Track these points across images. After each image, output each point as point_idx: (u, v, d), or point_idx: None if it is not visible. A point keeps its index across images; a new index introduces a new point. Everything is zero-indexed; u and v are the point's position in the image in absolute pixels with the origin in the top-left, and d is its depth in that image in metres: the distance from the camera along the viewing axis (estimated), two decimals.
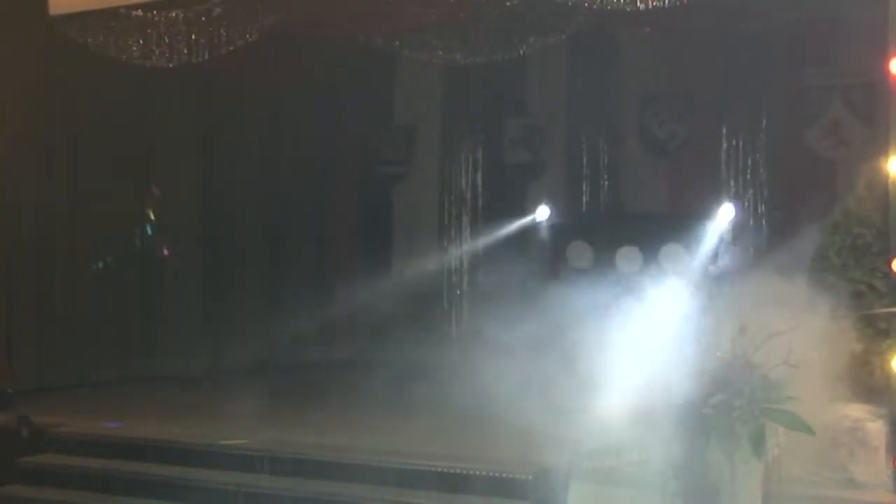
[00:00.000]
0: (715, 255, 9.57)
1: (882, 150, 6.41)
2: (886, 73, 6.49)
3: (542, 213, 11.35)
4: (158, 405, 9.56)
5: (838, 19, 9.91)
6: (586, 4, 8.35)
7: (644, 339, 5.66)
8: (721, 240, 9.78)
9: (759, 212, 10.59)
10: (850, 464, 5.84)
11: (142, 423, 8.64)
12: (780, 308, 5.60)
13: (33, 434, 8.54)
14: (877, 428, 5.88)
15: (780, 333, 5.28)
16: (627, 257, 9.80)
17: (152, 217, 12.15)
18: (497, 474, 6.85)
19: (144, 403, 9.71)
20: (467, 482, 6.97)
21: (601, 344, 6.31)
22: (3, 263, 10.09)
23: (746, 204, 10.61)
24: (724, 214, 10.06)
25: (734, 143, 10.67)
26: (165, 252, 12.19)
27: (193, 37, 8.90)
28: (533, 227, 11.28)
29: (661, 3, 8.25)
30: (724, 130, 10.69)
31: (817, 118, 10.40)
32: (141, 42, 8.89)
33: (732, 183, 10.69)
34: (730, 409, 5.13)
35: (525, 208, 11.34)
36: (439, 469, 7.13)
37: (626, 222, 11.03)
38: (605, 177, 11.40)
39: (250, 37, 8.83)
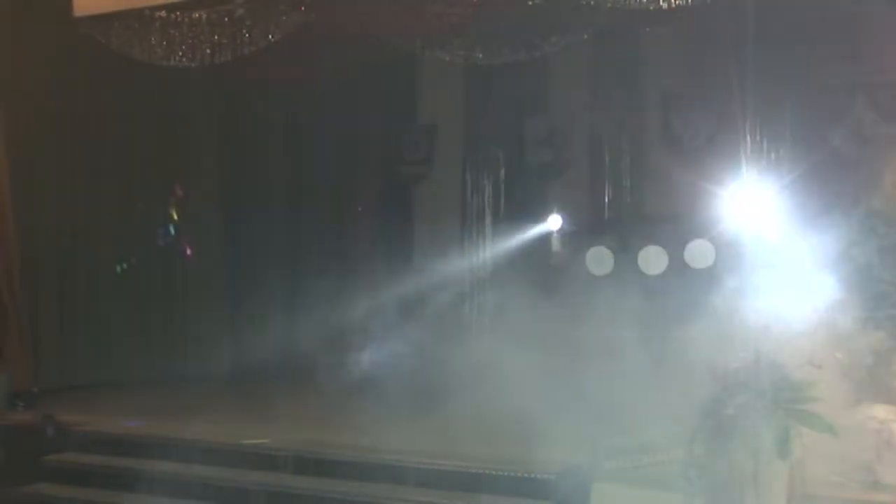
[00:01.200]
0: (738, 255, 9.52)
1: None
2: None
3: (555, 222, 11.35)
4: (182, 404, 9.59)
5: (862, 17, 9.83)
6: (609, 4, 8.34)
7: (669, 338, 5.67)
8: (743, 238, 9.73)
9: (782, 210, 10.52)
10: (876, 465, 5.79)
11: (165, 423, 8.68)
12: (805, 308, 5.57)
13: (58, 432, 8.60)
14: None
15: (804, 333, 5.26)
16: (650, 257, 9.76)
17: (175, 217, 12.21)
18: (519, 474, 6.84)
19: (168, 403, 9.76)
20: (489, 482, 6.96)
21: (624, 344, 6.33)
22: (29, 264, 10.16)
23: (769, 202, 10.55)
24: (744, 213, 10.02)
25: (757, 141, 10.61)
26: (188, 252, 12.24)
27: (216, 37, 8.95)
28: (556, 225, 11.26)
29: (684, 2, 8.23)
30: (746, 129, 10.63)
31: (841, 117, 10.32)
32: (164, 43, 8.95)
33: (755, 182, 10.62)
34: (753, 409, 5.10)
35: (547, 208, 11.32)
36: (461, 468, 7.13)
37: (648, 222, 11.00)
38: (628, 176, 11.37)
39: (273, 37, 8.87)
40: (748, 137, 10.59)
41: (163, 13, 8.89)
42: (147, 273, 11.76)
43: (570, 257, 10.75)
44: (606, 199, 11.53)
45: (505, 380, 6.96)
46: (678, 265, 9.65)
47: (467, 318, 10.76)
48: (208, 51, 9.00)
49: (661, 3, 8.26)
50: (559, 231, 11.44)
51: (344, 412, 8.62)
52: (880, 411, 5.89)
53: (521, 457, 6.94)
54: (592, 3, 8.40)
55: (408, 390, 8.11)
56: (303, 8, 8.88)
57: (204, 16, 8.89)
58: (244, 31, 8.99)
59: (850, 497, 5.69)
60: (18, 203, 9.90)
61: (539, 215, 11.39)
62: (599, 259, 9.92)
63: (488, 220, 11.88)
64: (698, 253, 9.59)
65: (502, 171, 12.02)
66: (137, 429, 8.64)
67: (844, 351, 5.94)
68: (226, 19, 8.92)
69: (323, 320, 10.89)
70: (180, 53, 8.99)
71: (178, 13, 8.88)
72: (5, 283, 9.80)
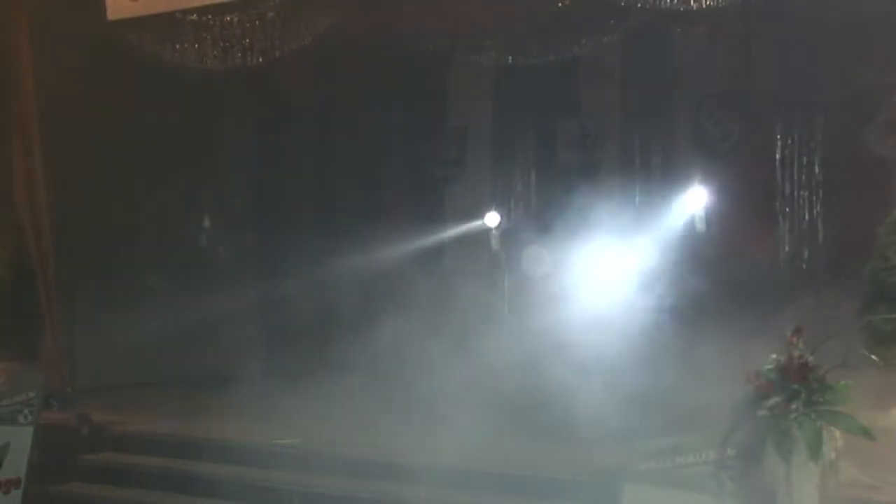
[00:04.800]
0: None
1: None
2: None
3: (492, 219, 11.43)
4: (215, 405, 9.66)
5: None
6: (639, 5, 8.34)
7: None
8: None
9: (816, 212, 10.48)
10: None
11: (199, 423, 8.75)
12: (838, 308, 5.54)
13: (93, 432, 8.71)
14: None
15: (837, 335, 5.22)
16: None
17: (209, 219, 12.31)
18: (550, 475, 6.84)
19: (202, 403, 9.83)
20: (520, 483, 6.97)
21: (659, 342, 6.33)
22: (64, 265, 10.29)
23: (801, 203, 10.50)
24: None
25: (790, 142, 10.55)
26: (222, 254, 12.34)
27: (248, 40, 9.06)
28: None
29: (716, 3, 8.22)
30: (779, 130, 10.58)
31: (876, 116, 10.22)
32: (196, 46, 9.07)
33: (788, 183, 10.58)
34: (786, 411, 5.07)
35: (581, 209, 11.28)
36: (491, 470, 7.14)
37: None
38: (658, 177, 11.32)
39: (304, 40, 8.95)
40: (780, 138, 10.54)
41: (194, 16, 9.01)
42: (182, 273, 11.85)
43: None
44: (636, 199, 11.48)
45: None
46: None
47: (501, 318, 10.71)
48: (239, 54, 9.11)
49: (691, 3, 8.26)
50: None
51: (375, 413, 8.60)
52: None
53: (553, 458, 6.95)
54: (623, 3, 8.41)
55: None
56: (333, 10, 8.95)
57: (235, 19, 9.00)
58: (275, 33, 9.09)
59: (884, 500, 5.65)
60: (55, 204, 10.03)
61: (569, 217, 11.36)
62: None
63: (521, 220, 11.87)
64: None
65: (533, 173, 12.02)
66: (171, 429, 8.73)
67: (879, 352, 5.89)
68: (257, 22, 9.03)
69: (352, 323, 10.92)
70: (212, 56, 9.11)
71: (210, 16, 8.99)
72: (41, 283, 9.94)
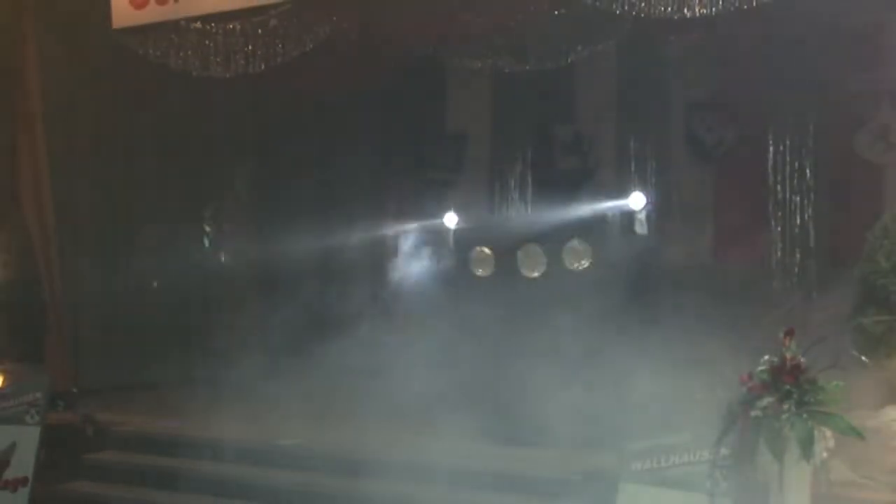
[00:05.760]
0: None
1: None
2: None
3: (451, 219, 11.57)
4: (218, 405, 9.74)
5: (887, 23, 9.87)
6: (634, 13, 8.46)
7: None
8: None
9: (807, 216, 10.60)
10: None
11: (201, 423, 8.84)
12: (830, 311, 5.65)
13: (97, 432, 8.81)
14: None
15: (829, 337, 5.33)
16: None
17: (211, 222, 12.40)
18: (545, 474, 6.94)
19: (205, 403, 9.91)
20: (516, 481, 7.07)
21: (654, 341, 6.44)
22: (70, 266, 10.36)
23: (793, 208, 10.63)
24: None
25: (781, 148, 10.68)
26: (223, 258, 12.43)
27: (250, 48, 9.18)
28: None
29: (709, 11, 8.34)
30: (771, 136, 10.70)
31: (866, 123, 10.36)
32: (200, 53, 9.18)
33: (779, 188, 10.70)
34: (778, 411, 5.17)
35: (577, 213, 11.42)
36: (489, 468, 7.24)
37: None
38: (653, 182, 11.45)
39: (305, 47, 9.06)
40: (772, 144, 10.67)
41: (198, 24, 9.13)
42: (186, 275, 11.92)
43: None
44: (629, 204, 11.60)
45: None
46: None
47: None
48: (242, 61, 9.22)
49: (685, 11, 8.37)
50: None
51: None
52: None
53: (548, 457, 7.06)
54: (618, 12, 8.53)
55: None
56: (334, 18, 9.07)
57: (238, 27, 9.11)
58: (277, 41, 9.20)
59: (875, 498, 5.76)
60: (61, 205, 10.10)
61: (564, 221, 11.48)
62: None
63: (518, 224, 11.97)
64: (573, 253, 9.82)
65: (530, 177, 12.14)
66: (174, 429, 8.81)
67: (869, 354, 6.01)
68: (259, 30, 9.14)
69: (350, 324, 11.00)
70: (215, 63, 9.22)
71: (213, 24, 9.11)
72: (47, 284, 10.01)
